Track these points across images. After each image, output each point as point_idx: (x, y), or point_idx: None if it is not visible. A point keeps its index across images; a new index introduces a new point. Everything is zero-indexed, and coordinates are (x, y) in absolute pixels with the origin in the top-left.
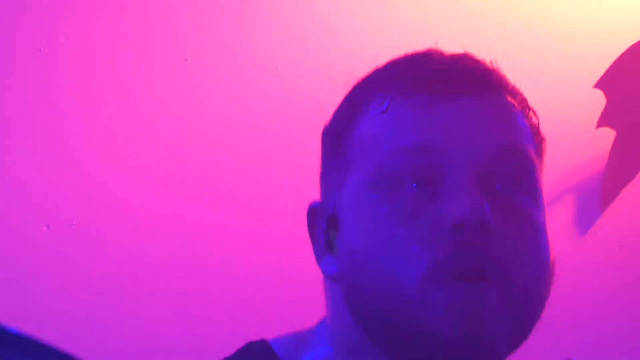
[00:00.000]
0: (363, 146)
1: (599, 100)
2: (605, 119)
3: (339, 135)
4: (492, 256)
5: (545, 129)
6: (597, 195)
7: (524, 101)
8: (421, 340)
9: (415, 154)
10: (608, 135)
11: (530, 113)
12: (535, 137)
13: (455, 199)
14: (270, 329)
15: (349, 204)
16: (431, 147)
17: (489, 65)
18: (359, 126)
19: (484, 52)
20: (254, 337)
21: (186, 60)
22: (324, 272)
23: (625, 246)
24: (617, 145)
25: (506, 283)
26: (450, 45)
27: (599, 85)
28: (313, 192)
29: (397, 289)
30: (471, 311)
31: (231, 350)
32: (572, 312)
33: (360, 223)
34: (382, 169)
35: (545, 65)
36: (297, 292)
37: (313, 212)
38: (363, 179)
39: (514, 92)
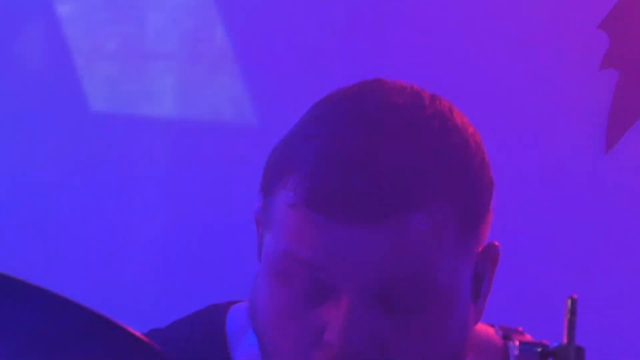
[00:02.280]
0: (274, 224)
1: (603, 41)
2: (609, 61)
3: (266, 190)
4: None
5: (549, 71)
6: (602, 137)
7: (454, 189)
8: None
9: (308, 267)
10: (612, 76)
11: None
12: (465, 224)
13: (333, 313)
14: None
15: (262, 261)
16: (323, 268)
17: (411, 177)
18: (276, 199)
19: None
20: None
21: None
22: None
23: (628, 186)
24: (621, 87)
25: None
26: None
27: (603, 26)
28: None
29: None
30: None
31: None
32: (577, 255)
33: (258, 295)
34: (280, 265)
35: (548, 7)
36: None
37: (257, 222)
38: (267, 257)
39: (439, 195)
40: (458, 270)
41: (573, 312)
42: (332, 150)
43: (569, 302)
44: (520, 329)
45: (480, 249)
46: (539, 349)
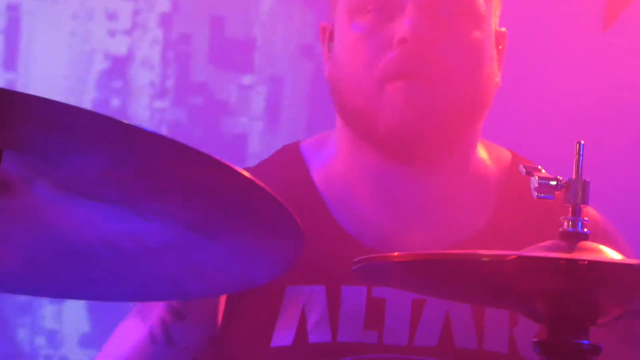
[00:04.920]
0: None
1: None
2: None
3: None
4: (429, 62)
5: None
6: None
7: None
8: (377, 127)
9: None
10: None
11: None
12: None
13: (402, 21)
14: None
15: (337, 24)
16: None
17: None
18: None
19: None
20: None
21: None
22: (325, 77)
23: (624, 60)
24: None
25: (444, 85)
26: None
27: None
28: None
29: (361, 87)
30: (410, 101)
31: None
32: (589, 101)
33: (340, 39)
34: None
35: None
36: None
37: (323, 29)
38: (345, 5)
39: None
40: (490, 14)
41: (580, 153)
42: None
43: (577, 145)
44: (540, 167)
45: (497, 26)
46: (554, 182)
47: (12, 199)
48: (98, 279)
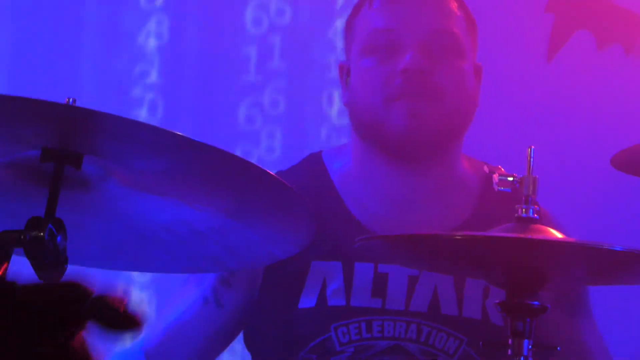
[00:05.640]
0: (360, 28)
1: None
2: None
3: (351, 21)
4: (425, 85)
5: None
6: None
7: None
8: (386, 135)
9: (383, 33)
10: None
11: (468, 12)
12: (468, 22)
13: (404, 57)
14: None
15: (353, 62)
16: (392, 29)
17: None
18: (359, 16)
19: None
20: None
21: None
22: (343, 103)
23: (567, 87)
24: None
25: (437, 102)
26: None
27: None
28: None
29: (372, 106)
30: (412, 115)
31: None
32: (539, 118)
33: (355, 72)
34: (366, 42)
35: None
36: None
37: (341, 67)
38: (358, 48)
39: None
40: (470, 51)
41: (531, 156)
42: None
43: (529, 150)
44: (500, 166)
45: (475, 60)
46: (511, 178)
47: (90, 193)
48: (156, 256)
